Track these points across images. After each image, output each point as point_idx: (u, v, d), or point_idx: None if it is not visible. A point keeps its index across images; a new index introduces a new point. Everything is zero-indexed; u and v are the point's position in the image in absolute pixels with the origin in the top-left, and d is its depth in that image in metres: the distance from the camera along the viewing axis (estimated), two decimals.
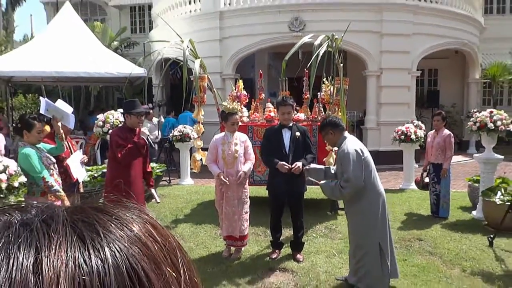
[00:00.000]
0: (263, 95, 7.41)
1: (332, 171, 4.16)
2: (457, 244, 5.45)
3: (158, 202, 5.05)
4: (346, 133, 4.06)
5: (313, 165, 4.45)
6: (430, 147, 6.72)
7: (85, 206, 0.43)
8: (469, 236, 5.73)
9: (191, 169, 6.68)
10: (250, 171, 5.04)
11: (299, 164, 4.68)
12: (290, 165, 4.68)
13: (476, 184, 6.97)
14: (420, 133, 8.53)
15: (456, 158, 12.14)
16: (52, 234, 0.38)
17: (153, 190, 5.19)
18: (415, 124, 9.16)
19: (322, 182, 4.11)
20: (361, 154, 3.83)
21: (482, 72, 15.21)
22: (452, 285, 4.27)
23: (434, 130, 6.83)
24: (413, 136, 8.37)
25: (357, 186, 3.82)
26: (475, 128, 6.44)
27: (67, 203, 4.12)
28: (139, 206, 0.46)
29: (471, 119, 6.64)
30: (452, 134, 6.65)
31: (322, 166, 4.39)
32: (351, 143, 3.90)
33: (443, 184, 6.59)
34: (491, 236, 5.41)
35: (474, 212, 6.75)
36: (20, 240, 0.37)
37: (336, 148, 4.98)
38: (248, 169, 4.93)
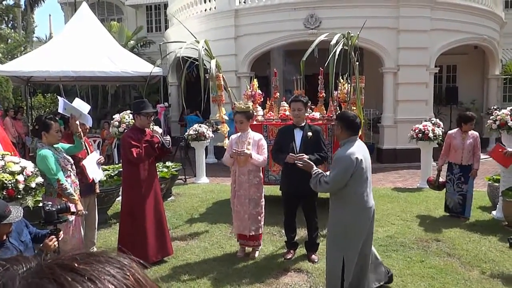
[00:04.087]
0: (277, 94, 7.37)
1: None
2: (476, 245, 5.34)
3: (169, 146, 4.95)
4: (355, 138, 3.80)
5: (306, 157, 4.30)
6: (461, 149, 6.45)
7: (54, 263, 0.39)
8: (489, 237, 5.61)
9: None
10: (258, 160, 4.91)
11: (305, 156, 4.60)
12: (297, 160, 4.61)
13: (496, 184, 6.83)
14: (438, 131, 8.38)
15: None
16: None
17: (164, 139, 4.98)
18: (433, 121, 9.00)
19: (312, 171, 3.92)
20: (354, 164, 3.60)
21: (502, 68, 14.88)
22: None
23: (460, 132, 6.51)
24: (431, 134, 8.23)
25: (331, 190, 3.77)
26: (495, 126, 6.31)
27: (80, 207, 4.17)
28: (124, 258, 0.41)
29: (491, 117, 6.50)
30: (477, 134, 6.56)
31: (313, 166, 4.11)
32: (353, 149, 3.67)
33: (470, 184, 6.49)
34: None
35: (494, 212, 6.61)
36: None
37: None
38: (256, 157, 4.87)
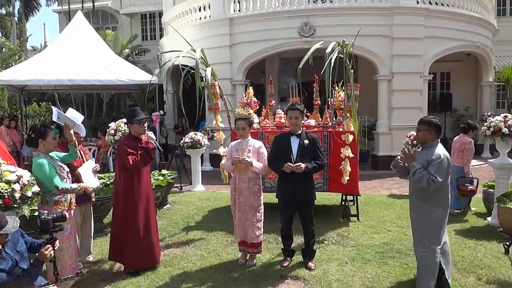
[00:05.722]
0: (273, 101, 7.39)
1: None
2: (472, 251, 5.36)
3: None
4: (439, 140, 4.16)
5: (303, 166, 4.66)
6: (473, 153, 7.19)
7: None
8: (484, 243, 5.63)
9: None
10: (259, 168, 4.94)
11: (303, 165, 4.66)
12: (295, 169, 4.65)
13: (491, 190, 6.87)
14: None
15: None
16: None
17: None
18: None
19: (415, 164, 4.00)
20: (450, 163, 3.98)
21: (495, 75, 15.03)
22: None
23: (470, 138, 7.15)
24: None
25: (437, 187, 3.96)
26: (489, 133, 6.35)
27: (90, 188, 4.38)
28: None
29: (485, 123, 6.55)
30: None
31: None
32: (444, 150, 4.02)
33: None
34: (507, 243, 5.31)
35: (489, 218, 6.64)
36: None
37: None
38: (257, 165, 4.90)
